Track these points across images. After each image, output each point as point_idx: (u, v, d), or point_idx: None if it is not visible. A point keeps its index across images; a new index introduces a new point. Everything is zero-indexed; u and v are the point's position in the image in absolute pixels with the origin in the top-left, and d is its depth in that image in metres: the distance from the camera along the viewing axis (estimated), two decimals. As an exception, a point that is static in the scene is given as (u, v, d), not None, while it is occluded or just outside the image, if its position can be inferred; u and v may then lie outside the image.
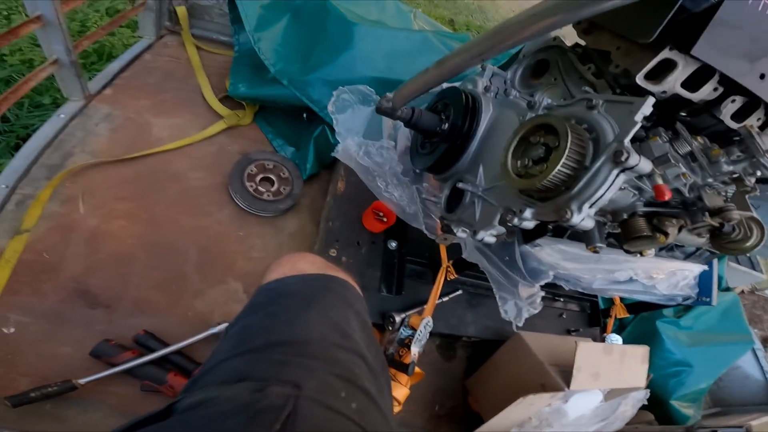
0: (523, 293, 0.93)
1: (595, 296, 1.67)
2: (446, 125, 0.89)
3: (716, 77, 0.63)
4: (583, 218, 0.61)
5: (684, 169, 0.62)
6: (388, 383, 0.51)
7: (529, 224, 0.72)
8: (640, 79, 0.63)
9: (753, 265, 2.21)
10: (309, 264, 0.59)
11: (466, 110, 0.86)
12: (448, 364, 1.36)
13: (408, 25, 1.72)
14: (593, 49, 0.76)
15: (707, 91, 0.63)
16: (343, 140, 1.04)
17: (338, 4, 1.40)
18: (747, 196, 0.65)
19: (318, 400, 0.39)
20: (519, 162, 0.69)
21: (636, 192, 0.67)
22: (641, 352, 1.35)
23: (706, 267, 1.28)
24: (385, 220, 1.25)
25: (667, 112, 0.70)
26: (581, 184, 0.60)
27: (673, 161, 0.62)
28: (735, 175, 0.64)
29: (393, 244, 1.27)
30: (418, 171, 1.05)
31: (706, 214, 0.62)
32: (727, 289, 1.83)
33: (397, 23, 1.67)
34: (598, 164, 0.59)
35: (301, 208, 1.36)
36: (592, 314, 1.69)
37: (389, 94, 0.81)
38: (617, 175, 0.58)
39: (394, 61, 1.35)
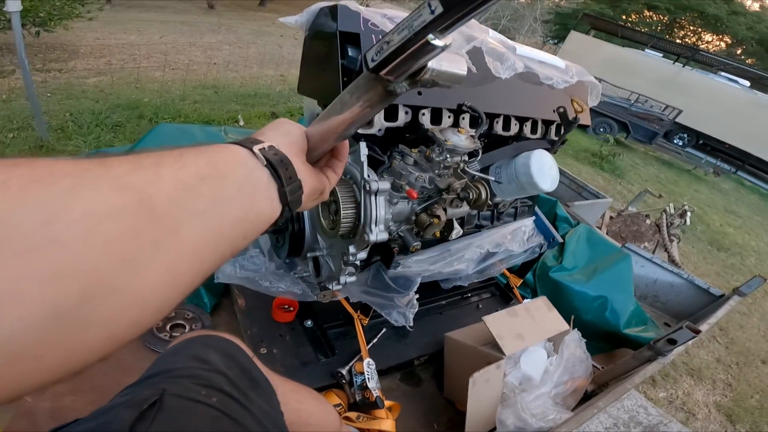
0: (402, 302, 1.17)
1: (493, 279, 1.95)
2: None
3: (400, 106, 0.96)
4: (377, 234, 0.88)
5: (416, 173, 0.94)
6: (266, 397, 0.64)
7: (361, 255, 0.97)
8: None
9: (595, 195, 2.75)
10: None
11: None
12: (419, 388, 1.49)
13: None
14: None
15: (403, 116, 0.97)
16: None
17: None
18: (460, 170, 0.98)
19: (180, 395, 0.51)
20: (327, 220, 0.96)
21: (407, 200, 0.97)
22: (541, 302, 1.55)
23: (533, 217, 1.65)
24: (291, 309, 1.44)
25: (394, 140, 1.03)
26: (362, 215, 0.89)
27: (408, 171, 0.94)
28: (447, 161, 0.97)
29: (309, 323, 1.44)
30: (286, 261, 1.28)
31: (444, 193, 0.93)
32: (577, 224, 2.22)
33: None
34: (362, 199, 0.88)
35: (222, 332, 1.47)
36: (501, 294, 1.95)
37: None
38: (376, 199, 0.87)
39: None
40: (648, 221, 3.26)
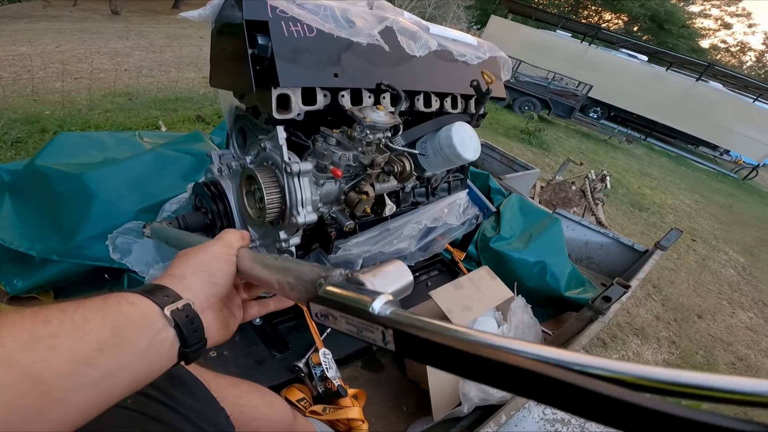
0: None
1: (439, 256, 2.00)
2: (210, 215, 1.09)
3: (318, 89, 0.95)
4: (305, 216, 0.87)
5: (340, 152, 0.94)
6: (196, 394, 0.61)
7: (294, 240, 0.95)
8: (275, 114, 0.86)
9: (525, 167, 2.91)
10: None
11: (213, 196, 1.07)
12: (382, 373, 1.47)
13: (136, 149, 1.69)
14: (253, 106, 1.02)
15: (321, 100, 0.96)
16: (147, 274, 1.15)
17: (51, 165, 1.36)
18: (382, 145, 0.99)
19: None
20: (254, 209, 0.93)
21: (333, 180, 0.96)
22: (484, 272, 1.61)
23: (466, 190, 1.71)
24: None
25: (316, 123, 1.02)
26: (288, 198, 0.86)
27: (331, 151, 0.93)
28: (369, 138, 0.97)
29: (257, 320, 1.38)
30: None
31: (369, 168, 0.93)
32: (509, 194, 2.33)
33: (124, 153, 1.61)
34: (284, 182, 0.85)
35: None
36: (448, 270, 2.00)
37: (146, 226, 0.96)
38: (299, 180, 0.85)
39: (145, 186, 1.37)
40: (574, 188, 3.51)
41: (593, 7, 19.91)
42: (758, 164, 10.01)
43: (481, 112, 1.37)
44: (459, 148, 1.15)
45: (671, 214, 5.47)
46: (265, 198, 0.84)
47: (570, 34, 11.34)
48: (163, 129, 3.13)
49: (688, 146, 11.10)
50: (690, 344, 2.65)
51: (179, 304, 0.37)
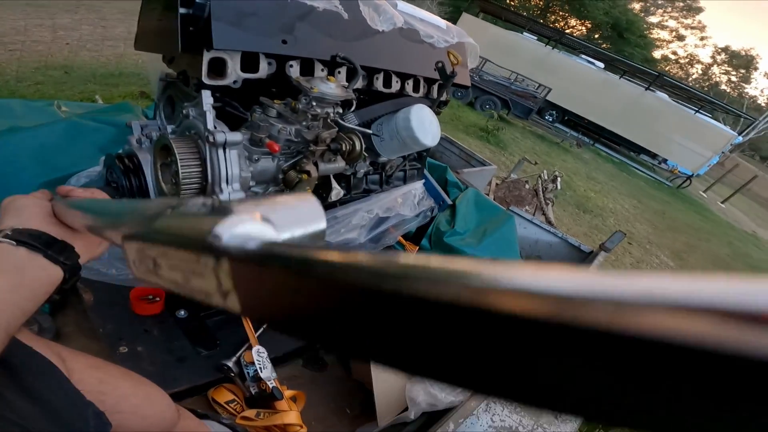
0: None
1: (391, 248, 1.92)
2: (120, 190, 0.92)
3: (262, 56, 0.82)
4: (228, 195, 0.73)
5: (280, 125, 0.80)
6: (30, 381, 0.48)
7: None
8: (205, 79, 0.77)
9: (482, 163, 2.90)
10: None
11: (126, 170, 0.90)
12: (325, 372, 1.36)
13: (52, 118, 1.58)
14: (182, 71, 0.89)
15: (265, 68, 0.83)
16: None
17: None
18: (330, 120, 0.87)
19: None
20: (168, 185, 0.78)
21: (271, 156, 0.83)
22: None
23: (423, 180, 1.63)
24: (157, 299, 1.19)
25: (257, 93, 0.88)
26: (210, 173, 0.72)
27: (269, 123, 0.80)
28: (315, 110, 0.85)
29: (182, 312, 1.21)
30: None
31: (312, 144, 0.81)
32: (466, 188, 2.30)
33: (36, 121, 1.51)
34: (207, 154, 0.71)
35: (71, 335, 1.16)
36: (400, 263, 1.94)
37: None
38: (226, 153, 0.71)
39: (52, 157, 1.26)
40: (527, 186, 3.57)
41: (560, 13, 20.58)
42: (692, 174, 10.76)
43: (444, 98, 1.28)
44: (417, 132, 1.05)
45: (612, 217, 5.78)
46: (180, 171, 0.69)
47: (536, 37, 11.62)
48: (100, 102, 2.84)
49: (631, 153, 11.80)
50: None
51: (6, 230, 0.41)
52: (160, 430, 0.69)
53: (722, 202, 12.47)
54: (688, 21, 28.67)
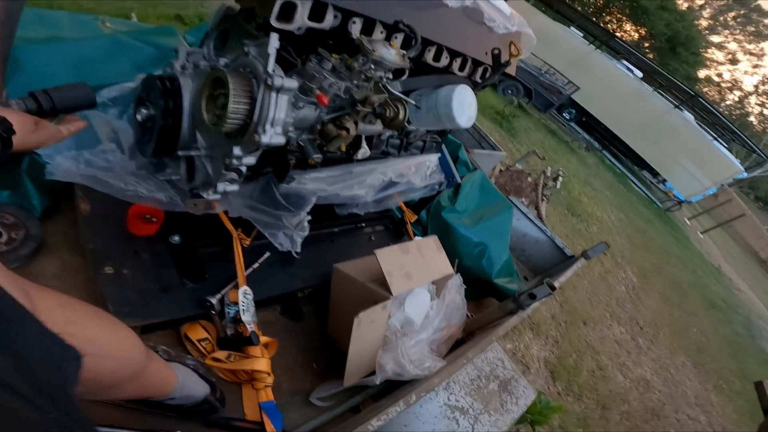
0: (291, 222, 1.07)
1: (389, 212, 1.95)
2: (152, 110, 0.91)
3: (330, 6, 0.81)
4: (271, 137, 0.75)
5: (332, 80, 0.81)
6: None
7: (248, 160, 0.83)
8: (273, 21, 0.76)
9: (492, 147, 2.90)
10: None
11: (166, 92, 0.88)
12: (301, 324, 1.35)
13: (94, 33, 1.60)
14: (249, 8, 0.87)
15: (330, 20, 0.82)
16: (53, 159, 0.95)
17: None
18: (381, 84, 0.88)
19: None
20: (211, 114, 0.79)
21: (315, 106, 0.84)
22: (432, 241, 1.53)
23: (439, 154, 1.64)
24: (154, 220, 1.15)
25: (312, 43, 0.87)
26: (257, 112, 0.73)
27: (322, 75, 0.80)
28: (370, 72, 0.85)
29: (176, 238, 1.18)
30: (153, 161, 1.04)
31: (359, 105, 0.82)
32: (475, 169, 2.32)
33: (78, 35, 1.52)
34: (260, 94, 0.72)
35: (56, 246, 1.14)
36: (394, 228, 1.97)
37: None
38: (277, 97, 0.72)
39: (88, 70, 1.27)
40: (529, 179, 3.61)
41: (617, 15, 19.46)
42: (684, 200, 10.75)
43: (488, 83, 1.28)
44: (455, 111, 1.07)
45: (596, 225, 5.91)
46: (230, 105, 0.70)
47: (582, 34, 11.10)
48: (135, 20, 2.72)
49: (634, 167, 11.78)
50: (568, 347, 2.93)
51: None
52: (128, 372, 0.68)
53: (702, 233, 12.75)
54: (751, 46, 27.04)
